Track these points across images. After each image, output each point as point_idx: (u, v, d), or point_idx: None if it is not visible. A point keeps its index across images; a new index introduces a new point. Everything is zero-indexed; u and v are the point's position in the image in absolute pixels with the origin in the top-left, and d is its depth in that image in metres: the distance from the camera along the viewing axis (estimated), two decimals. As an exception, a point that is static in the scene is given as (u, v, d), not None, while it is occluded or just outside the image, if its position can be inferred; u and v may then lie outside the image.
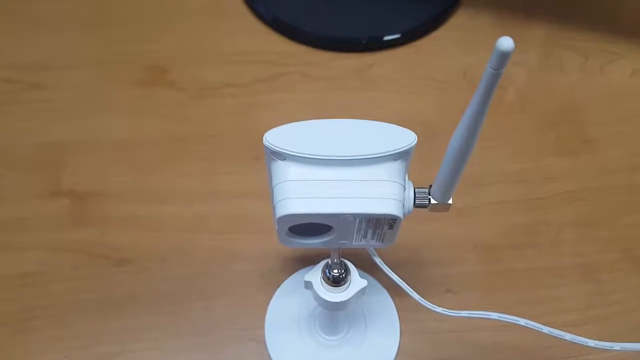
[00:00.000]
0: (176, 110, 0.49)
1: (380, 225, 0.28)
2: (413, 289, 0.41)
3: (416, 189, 0.30)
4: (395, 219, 0.27)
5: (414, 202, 0.30)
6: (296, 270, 0.41)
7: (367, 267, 0.37)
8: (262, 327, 0.39)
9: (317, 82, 0.50)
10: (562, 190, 0.45)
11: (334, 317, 0.37)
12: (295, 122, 0.28)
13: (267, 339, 0.38)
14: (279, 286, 0.40)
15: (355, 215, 0.27)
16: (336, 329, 0.38)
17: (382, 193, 0.27)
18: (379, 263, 0.32)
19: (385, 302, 0.40)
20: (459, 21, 0.54)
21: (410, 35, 0.52)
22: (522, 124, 0.48)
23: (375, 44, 0.52)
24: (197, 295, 0.40)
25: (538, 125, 0.48)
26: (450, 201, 0.30)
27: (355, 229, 0.28)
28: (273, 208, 0.28)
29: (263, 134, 0.28)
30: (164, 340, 0.39)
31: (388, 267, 0.33)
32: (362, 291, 0.32)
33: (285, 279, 0.41)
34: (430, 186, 0.30)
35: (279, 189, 0.27)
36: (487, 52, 0.51)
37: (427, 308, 0.32)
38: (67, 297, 0.40)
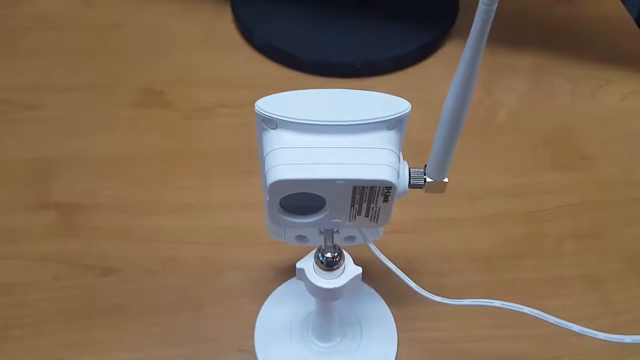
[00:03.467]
0: (170, 128, 0.49)
1: (375, 196, 0.27)
2: (409, 299, 0.39)
3: (411, 169, 0.30)
4: (390, 188, 0.27)
5: (409, 182, 0.30)
6: (288, 279, 0.39)
7: (362, 277, 0.35)
8: (252, 337, 0.37)
9: (311, 104, 0.51)
10: (560, 203, 0.44)
11: (327, 322, 0.35)
12: (287, 92, 0.28)
13: (256, 348, 0.36)
14: (269, 295, 0.39)
15: (349, 182, 0.26)
16: (330, 335, 0.36)
17: (376, 160, 0.26)
18: (373, 250, 0.31)
19: (381, 310, 0.38)
20: (449, 50, 0.55)
21: (403, 62, 0.53)
22: (516, 142, 0.48)
23: (368, 70, 0.52)
24: (184, 305, 0.39)
25: (532, 143, 0.48)
26: (445, 179, 0.30)
27: (350, 201, 0.27)
28: (264, 179, 0.27)
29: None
30: (148, 350, 0.37)
31: (383, 254, 0.31)
32: (358, 279, 0.30)
33: (276, 288, 0.39)
34: (425, 166, 0.30)
35: (271, 156, 0.27)
36: (477, 79, 0.51)
37: (425, 297, 0.31)
38: (48, 307, 0.38)
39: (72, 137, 0.48)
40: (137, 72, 0.53)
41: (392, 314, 0.38)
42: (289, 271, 0.40)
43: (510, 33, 0.57)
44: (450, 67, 0.57)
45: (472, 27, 0.23)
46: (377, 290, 0.39)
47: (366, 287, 0.39)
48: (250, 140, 0.48)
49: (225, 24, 0.57)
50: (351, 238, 0.34)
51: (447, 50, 0.55)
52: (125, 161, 0.46)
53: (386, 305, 0.38)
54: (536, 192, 0.45)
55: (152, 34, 0.57)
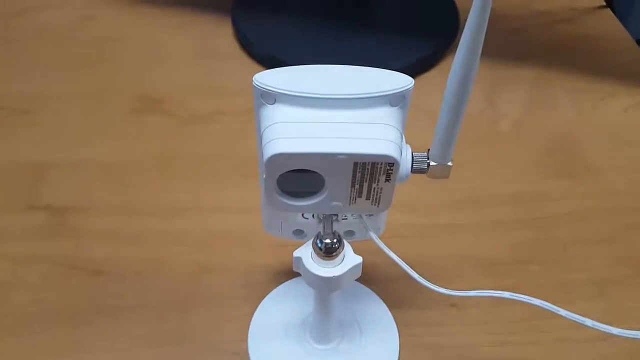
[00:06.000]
0: (166, 134, 0.48)
1: (377, 174, 0.26)
2: (412, 303, 0.38)
3: (414, 153, 0.29)
4: (393, 164, 0.25)
5: (412, 167, 0.28)
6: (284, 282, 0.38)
7: (361, 278, 0.34)
8: (246, 339, 0.35)
9: (311, 113, 0.50)
10: (566, 210, 0.43)
11: (326, 322, 0.33)
12: (287, 67, 0.27)
13: (250, 351, 0.34)
14: (265, 297, 0.37)
15: (350, 156, 0.25)
16: (328, 337, 0.34)
17: (379, 135, 0.25)
18: (374, 239, 0.29)
19: (382, 313, 0.36)
20: (450, 64, 0.55)
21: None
22: (519, 151, 0.47)
23: (368, 80, 0.52)
24: (174, 306, 0.37)
25: (535, 152, 0.47)
26: (450, 163, 0.29)
27: (350, 180, 0.26)
28: (261, 156, 0.26)
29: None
30: (133, 351, 0.35)
31: (386, 246, 0.30)
32: (358, 269, 0.29)
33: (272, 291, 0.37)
34: (429, 150, 0.29)
35: (268, 131, 0.25)
36: (478, 91, 0.51)
37: (429, 289, 0.29)
38: (32, 307, 0.36)
39: (66, 141, 0.47)
40: (135, 81, 0.52)
41: (394, 318, 0.36)
42: (286, 274, 0.38)
43: (511, 49, 0.56)
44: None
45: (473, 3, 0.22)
46: (377, 294, 0.37)
47: (366, 290, 0.37)
48: (246, 145, 0.48)
49: (225, 37, 0.57)
50: (351, 233, 0.32)
51: (447, 64, 0.55)
52: (119, 165, 0.45)
53: (387, 309, 0.36)
54: (540, 199, 0.44)
55: (152, 46, 0.56)
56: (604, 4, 0.60)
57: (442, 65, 0.55)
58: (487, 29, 0.23)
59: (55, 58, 0.54)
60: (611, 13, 0.60)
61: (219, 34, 0.57)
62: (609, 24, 0.59)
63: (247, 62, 0.55)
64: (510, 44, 0.57)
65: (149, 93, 0.51)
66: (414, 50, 0.54)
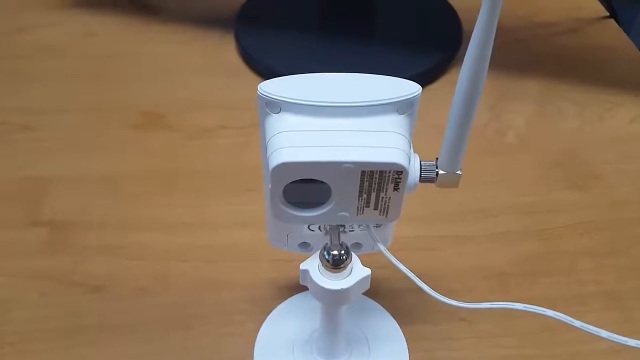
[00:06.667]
0: (169, 148, 0.47)
1: (385, 183, 0.25)
2: (422, 317, 0.37)
3: (422, 162, 0.28)
4: (401, 173, 0.25)
5: (420, 176, 0.28)
6: (290, 297, 0.37)
7: (369, 292, 0.33)
8: (251, 356, 0.34)
9: (314, 126, 0.50)
10: (575, 221, 0.42)
11: (333, 338, 0.32)
12: (292, 75, 0.27)
13: (256, 368, 0.33)
14: (270, 313, 0.36)
15: (357, 165, 0.24)
16: (336, 354, 0.33)
17: (386, 143, 0.25)
18: (383, 251, 0.29)
19: (391, 328, 0.35)
20: (454, 76, 0.55)
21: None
22: (526, 162, 0.47)
23: (372, 93, 0.52)
24: (178, 323, 0.36)
25: (542, 163, 0.47)
26: (459, 171, 0.28)
27: (357, 189, 0.26)
28: (266, 166, 0.26)
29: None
30: (137, 370, 0.34)
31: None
32: (366, 281, 0.28)
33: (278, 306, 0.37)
34: (437, 159, 0.28)
35: (274, 140, 0.25)
36: (484, 102, 0.51)
37: (440, 301, 0.28)
38: (32, 325, 0.36)
39: (68, 156, 0.46)
40: (138, 96, 0.52)
41: (403, 333, 0.35)
42: (292, 289, 0.38)
43: (515, 60, 0.56)
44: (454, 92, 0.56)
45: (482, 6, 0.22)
46: (386, 308, 0.36)
47: (374, 304, 0.36)
48: (250, 159, 0.47)
49: (228, 52, 0.57)
50: (358, 245, 0.32)
51: (451, 76, 0.55)
52: (122, 180, 0.45)
53: (396, 323, 0.36)
54: (549, 210, 0.43)
55: (154, 61, 0.56)
56: (608, 14, 0.60)
57: (447, 77, 0.55)
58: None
59: (58, 74, 0.54)
60: (615, 23, 0.60)
61: (222, 49, 0.57)
62: (613, 34, 0.59)
63: (250, 76, 0.55)
64: (514, 56, 0.57)
65: (152, 108, 0.51)
66: (417, 63, 0.54)
